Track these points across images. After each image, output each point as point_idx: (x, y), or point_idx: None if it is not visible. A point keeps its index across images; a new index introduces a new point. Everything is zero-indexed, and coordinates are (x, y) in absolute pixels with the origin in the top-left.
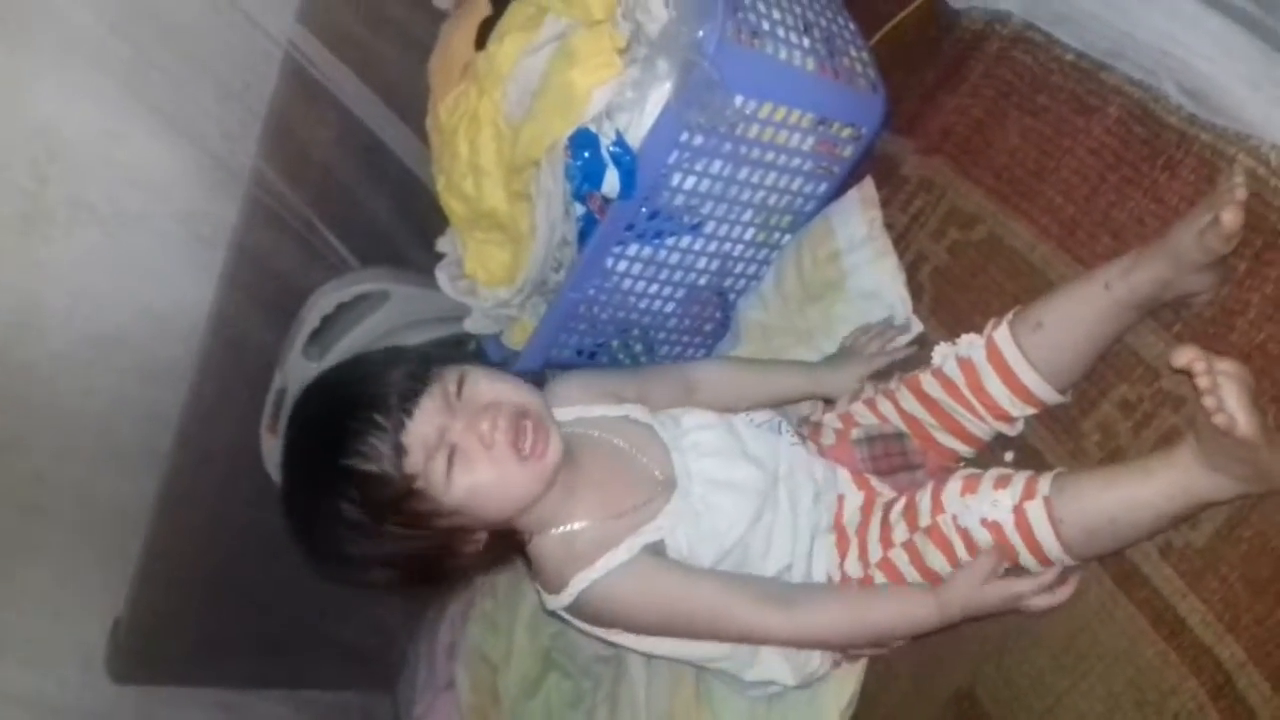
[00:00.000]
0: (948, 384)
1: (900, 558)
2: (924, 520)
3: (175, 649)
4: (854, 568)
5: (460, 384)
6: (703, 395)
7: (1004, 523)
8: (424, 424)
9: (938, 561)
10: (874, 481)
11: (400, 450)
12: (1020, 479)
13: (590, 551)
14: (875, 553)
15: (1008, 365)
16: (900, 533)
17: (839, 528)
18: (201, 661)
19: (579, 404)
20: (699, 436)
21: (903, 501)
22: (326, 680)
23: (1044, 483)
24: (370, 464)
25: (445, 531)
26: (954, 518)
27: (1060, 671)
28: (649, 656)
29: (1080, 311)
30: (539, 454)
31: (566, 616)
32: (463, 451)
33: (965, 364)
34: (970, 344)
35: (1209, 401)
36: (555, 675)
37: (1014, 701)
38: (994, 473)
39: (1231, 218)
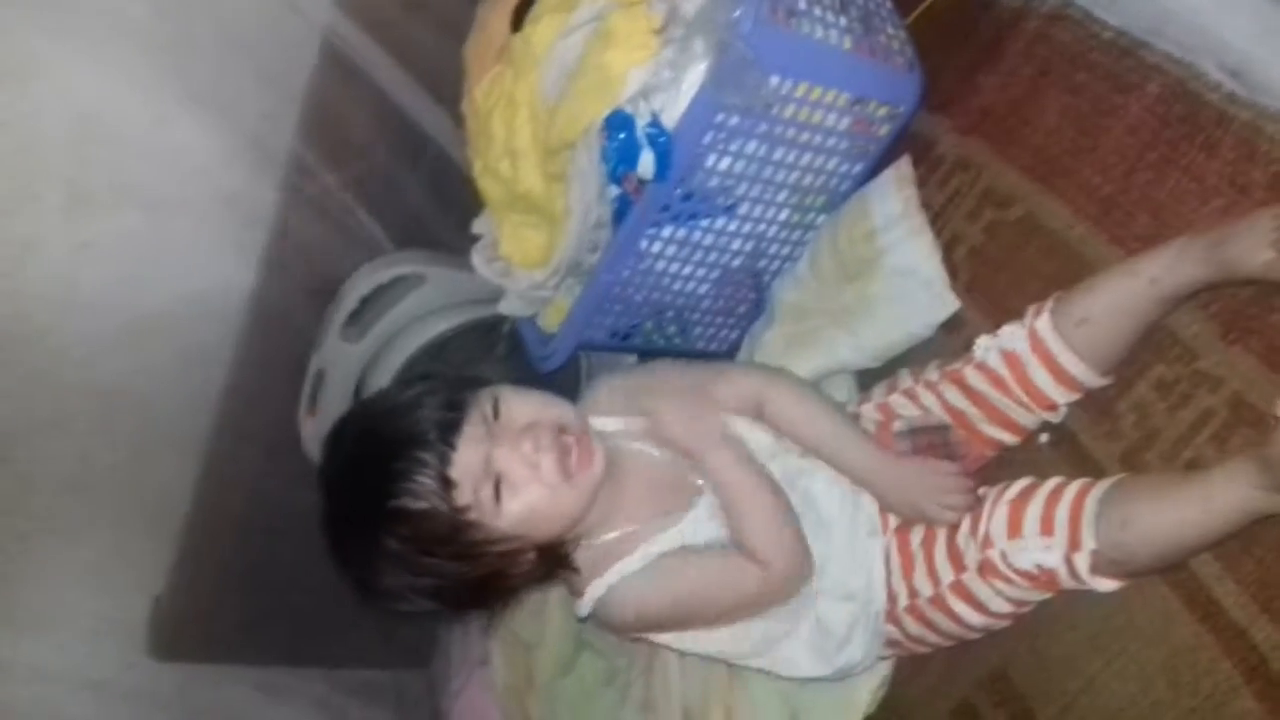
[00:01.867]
0: (993, 377)
1: (975, 583)
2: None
3: (214, 627)
4: (924, 586)
5: (495, 406)
6: (770, 422)
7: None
8: (468, 455)
9: (1005, 594)
10: None
11: (448, 484)
12: (1063, 522)
13: (605, 560)
14: (946, 575)
15: (1053, 357)
16: (971, 556)
17: (900, 540)
18: (240, 640)
19: (620, 414)
20: None
21: (967, 521)
22: (362, 658)
23: (1088, 535)
24: (420, 501)
25: (497, 557)
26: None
27: (1094, 652)
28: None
29: (1125, 305)
30: (584, 466)
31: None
32: (509, 477)
33: (1009, 356)
34: (1012, 335)
35: None
36: (589, 654)
37: (1047, 682)
38: (1039, 504)
39: None
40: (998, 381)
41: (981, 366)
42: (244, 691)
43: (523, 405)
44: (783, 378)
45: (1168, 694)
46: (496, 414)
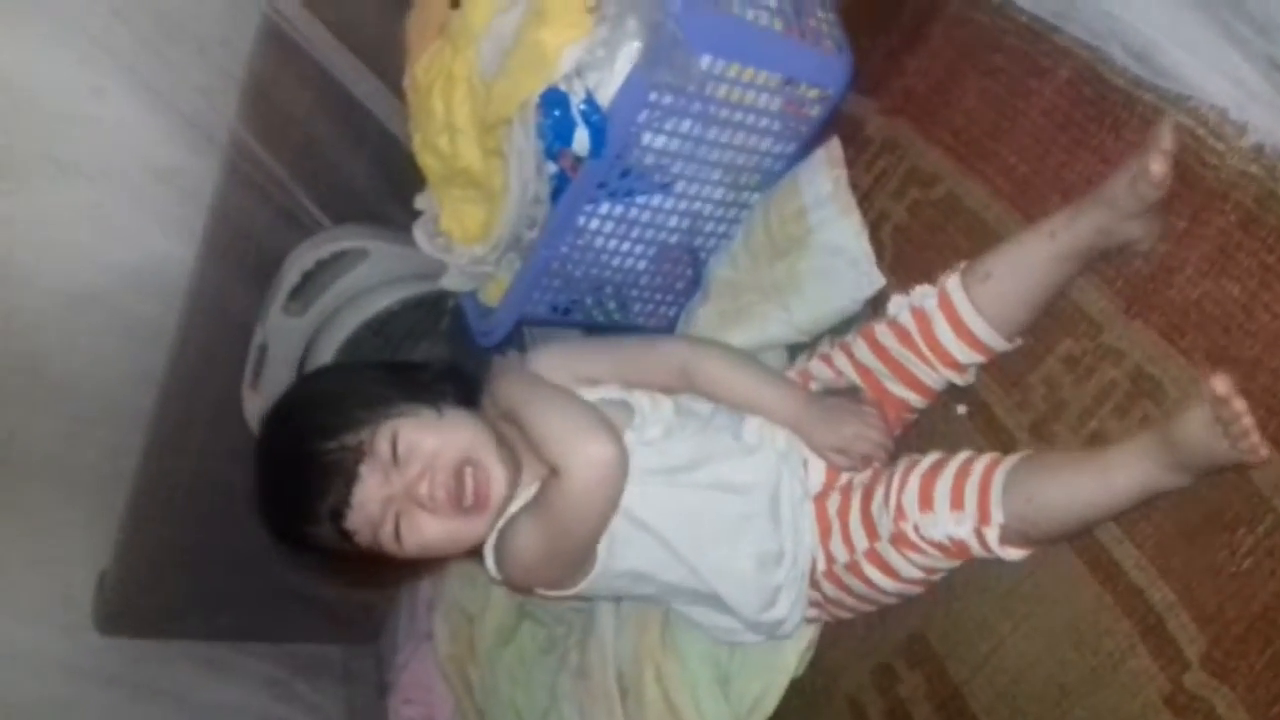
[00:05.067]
0: (901, 333)
1: (888, 551)
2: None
3: (161, 602)
4: (840, 552)
5: (394, 443)
6: (699, 389)
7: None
8: (364, 506)
9: (917, 563)
10: None
11: (346, 535)
12: (973, 497)
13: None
14: (861, 542)
15: (957, 313)
16: (885, 526)
17: (819, 508)
18: (186, 615)
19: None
20: (645, 458)
21: (881, 492)
22: (309, 634)
23: (996, 509)
24: (323, 541)
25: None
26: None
27: (1003, 615)
28: (618, 603)
29: (1027, 260)
30: (482, 499)
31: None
32: (407, 515)
33: (918, 313)
34: (923, 294)
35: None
36: (529, 623)
37: (961, 644)
38: (949, 479)
39: (1158, 166)
40: (905, 337)
41: (893, 324)
42: (191, 667)
43: (421, 440)
44: (708, 344)
45: (1072, 653)
46: (395, 451)
